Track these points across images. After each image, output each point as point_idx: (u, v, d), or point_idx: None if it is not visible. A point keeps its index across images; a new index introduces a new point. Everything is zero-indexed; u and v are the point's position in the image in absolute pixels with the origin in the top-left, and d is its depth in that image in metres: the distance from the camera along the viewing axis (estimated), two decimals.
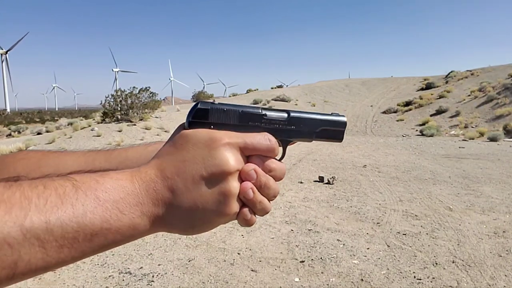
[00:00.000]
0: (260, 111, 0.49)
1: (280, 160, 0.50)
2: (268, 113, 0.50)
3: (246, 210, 0.46)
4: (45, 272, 0.36)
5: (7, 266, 0.33)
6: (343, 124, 0.54)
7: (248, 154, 0.46)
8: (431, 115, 20.25)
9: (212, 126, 0.47)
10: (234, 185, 0.44)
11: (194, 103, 0.48)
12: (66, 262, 0.37)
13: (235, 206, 0.44)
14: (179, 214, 0.43)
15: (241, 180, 0.45)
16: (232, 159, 0.43)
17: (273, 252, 3.65)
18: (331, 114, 0.54)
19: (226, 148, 0.44)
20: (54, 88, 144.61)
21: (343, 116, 0.55)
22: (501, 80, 21.74)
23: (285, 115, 0.51)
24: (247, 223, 0.46)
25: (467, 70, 29.61)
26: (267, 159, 0.47)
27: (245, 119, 0.48)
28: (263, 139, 0.47)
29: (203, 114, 0.47)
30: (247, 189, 0.44)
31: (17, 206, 0.34)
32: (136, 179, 0.42)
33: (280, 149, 0.51)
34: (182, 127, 0.47)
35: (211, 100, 0.49)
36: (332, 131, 0.54)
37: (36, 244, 0.34)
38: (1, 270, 0.33)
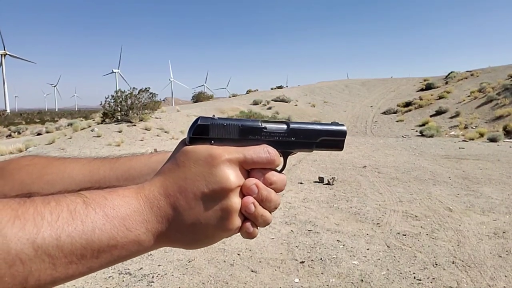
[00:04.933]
0: (260, 124, 0.50)
1: (281, 171, 0.50)
2: (268, 125, 0.50)
3: (248, 224, 0.46)
4: (52, 286, 0.37)
5: (18, 282, 0.34)
6: (343, 133, 0.54)
7: (249, 168, 0.47)
8: (431, 116, 20.27)
9: (212, 142, 0.47)
10: (235, 201, 0.44)
11: (195, 117, 0.48)
12: (73, 277, 0.38)
13: (237, 221, 0.45)
14: (182, 230, 0.43)
15: (243, 195, 0.46)
16: (232, 176, 0.44)
17: (273, 253, 3.65)
18: (331, 124, 0.54)
19: (226, 165, 0.44)
20: (54, 88, 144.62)
21: (342, 125, 0.55)
22: (501, 81, 21.76)
23: (285, 126, 0.51)
24: (249, 236, 0.47)
25: (467, 71, 29.64)
26: (268, 171, 0.48)
27: (245, 133, 0.48)
28: (263, 152, 0.47)
29: (203, 130, 0.47)
30: (248, 204, 0.45)
31: (31, 222, 0.35)
32: (140, 196, 0.43)
33: (281, 160, 0.51)
34: (183, 143, 0.48)
35: (212, 116, 0.49)
36: (332, 140, 0.54)
37: (47, 260, 0.35)
38: (11, 286, 0.33)
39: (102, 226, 0.38)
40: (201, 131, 0.47)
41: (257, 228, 0.47)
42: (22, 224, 0.34)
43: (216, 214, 0.44)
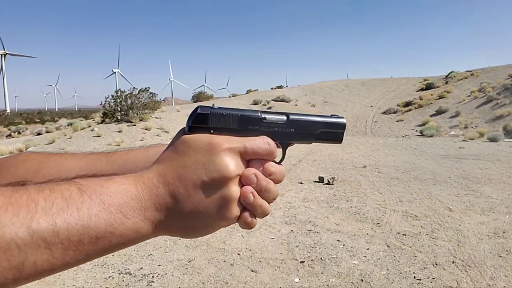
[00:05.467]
0: (260, 114, 0.49)
1: (279, 162, 0.50)
2: (268, 116, 0.50)
3: (247, 213, 0.46)
4: (50, 274, 0.37)
5: (14, 266, 0.33)
6: (343, 125, 0.54)
7: (248, 158, 0.47)
8: (431, 116, 20.26)
9: (212, 131, 0.47)
10: (234, 189, 0.44)
11: (195, 107, 0.48)
12: (71, 265, 0.38)
13: (236, 210, 0.45)
14: (181, 218, 0.43)
15: (242, 184, 0.46)
16: (232, 164, 0.44)
17: (273, 253, 3.65)
18: (331, 116, 0.54)
19: (226, 154, 0.44)
20: (53, 87, 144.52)
21: (342, 117, 0.54)
22: (501, 81, 21.75)
23: (284, 117, 0.51)
24: (248, 226, 0.47)
25: (467, 71, 29.61)
26: (267, 162, 0.48)
27: (244, 123, 0.48)
28: (263, 142, 0.47)
29: (203, 119, 0.47)
30: (247, 193, 0.45)
31: (24, 208, 0.35)
32: (139, 184, 0.42)
33: (280, 151, 0.51)
34: (182, 131, 0.48)
35: (211, 104, 0.49)
36: (331, 133, 0.54)
37: (43, 245, 0.35)
38: (8, 271, 0.33)
39: (98, 213, 0.38)
40: (200, 120, 0.47)
41: (256, 219, 0.47)
42: (16, 211, 0.34)
43: (215, 203, 0.44)
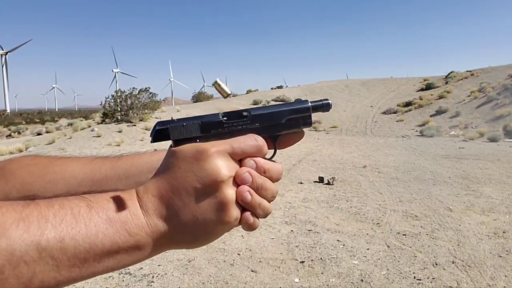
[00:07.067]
0: (220, 117, 0.49)
1: (271, 158, 0.50)
2: (228, 116, 0.50)
3: (247, 214, 0.46)
4: None
5: (22, 283, 0.34)
6: (307, 109, 0.53)
7: (239, 158, 0.47)
8: (431, 116, 20.25)
9: (197, 140, 0.47)
10: (229, 191, 0.44)
11: (155, 123, 0.49)
12: (76, 281, 0.38)
13: (235, 212, 0.45)
14: (182, 229, 0.43)
15: (237, 185, 0.45)
16: (222, 167, 0.44)
17: (273, 253, 3.65)
18: (295, 102, 0.54)
19: (215, 157, 0.44)
20: (54, 88, 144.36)
21: (306, 101, 0.54)
22: (501, 81, 21.75)
23: (246, 114, 0.51)
24: (250, 227, 0.47)
25: (467, 71, 29.61)
26: (259, 159, 0.47)
27: (207, 129, 0.48)
28: (250, 140, 0.47)
29: (164, 134, 0.47)
30: (243, 193, 0.45)
31: (35, 224, 0.35)
32: (137, 200, 0.43)
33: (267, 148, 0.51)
34: (171, 146, 0.48)
35: (171, 118, 0.49)
36: (299, 118, 0.53)
37: (51, 263, 0.35)
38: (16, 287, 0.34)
39: (105, 230, 0.39)
40: (161, 136, 0.47)
41: (258, 219, 0.47)
42: (27, 227, 0.35)
43: (211, 208, 0.43)
